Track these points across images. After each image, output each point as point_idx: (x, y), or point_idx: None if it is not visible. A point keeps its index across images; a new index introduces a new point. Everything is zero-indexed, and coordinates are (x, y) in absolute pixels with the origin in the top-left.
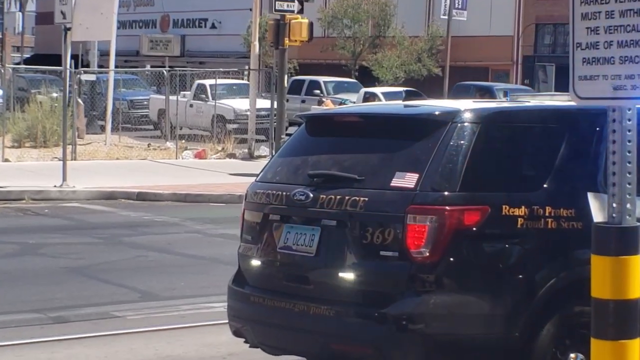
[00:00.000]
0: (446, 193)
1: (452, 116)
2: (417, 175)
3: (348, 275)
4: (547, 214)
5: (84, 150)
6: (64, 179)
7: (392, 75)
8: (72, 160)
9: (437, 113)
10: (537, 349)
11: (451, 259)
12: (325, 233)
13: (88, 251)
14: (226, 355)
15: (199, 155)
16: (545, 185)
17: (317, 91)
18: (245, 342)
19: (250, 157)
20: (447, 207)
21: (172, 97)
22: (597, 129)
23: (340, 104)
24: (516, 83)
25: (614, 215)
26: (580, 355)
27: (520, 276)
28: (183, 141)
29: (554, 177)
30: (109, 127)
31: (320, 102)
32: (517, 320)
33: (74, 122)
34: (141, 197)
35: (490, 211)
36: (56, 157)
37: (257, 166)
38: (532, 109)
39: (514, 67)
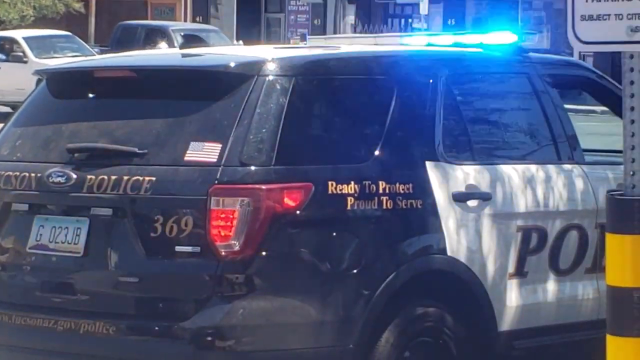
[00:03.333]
0: (259, 167)
1: (257, 68)
2: (220, 145)
3: (132, 280)
4: (380, 191)
5: None
6: None
7: (18, 14)
8: None
9: (233, 64)
10: None
11: (269, 253)
12: (96, 225)
13: None
14: None
15: None
16: (376, 154)
17: None
18: None
19: None
20: (263, 186)
21: None
22: (431, 81)
23: None
24: (186, 21)
25: (634, 185)
26: None
27: (354, 271)
28: None
29: (386, 144)
30: None
31: None
32: (351, 328)
33: None
34: None
35: (314, 189)
36: None
37: None
38: (354, 57)
39: (182, 0)
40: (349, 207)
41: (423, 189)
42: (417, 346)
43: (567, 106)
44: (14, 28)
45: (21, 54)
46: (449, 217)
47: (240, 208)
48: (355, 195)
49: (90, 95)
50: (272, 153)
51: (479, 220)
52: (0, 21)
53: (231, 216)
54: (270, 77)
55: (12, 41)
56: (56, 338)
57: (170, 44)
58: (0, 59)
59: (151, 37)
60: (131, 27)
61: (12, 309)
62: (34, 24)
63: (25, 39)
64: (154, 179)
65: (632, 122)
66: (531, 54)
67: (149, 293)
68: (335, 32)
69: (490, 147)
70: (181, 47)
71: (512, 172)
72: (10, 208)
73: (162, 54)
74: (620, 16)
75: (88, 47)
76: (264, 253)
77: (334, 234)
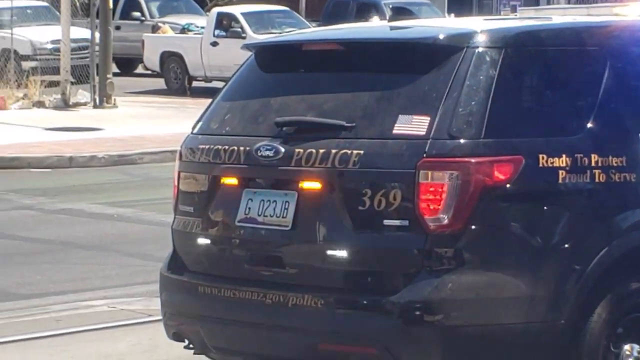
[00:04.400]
0: (469, 140)
1: (466, 39)
2: (428, 118)
3: (340, 254)
4: (593, 164)
5: None
6: None
7: None
8: None
9: (442, 36)
10: (586, 342)
11: (478, 227)
12: (304, 199)
13: None
14: None
15: None
16: (589, 126)
17: (137, 14)
18: (188, 347)
19: (66, 105)
20: (472, 159)
21: None
22: None
23: (184, 30)
24: None
25: None
26: (637, 347)
27: (566, 246)
28: None
29: (599, 116)
30: None
31: (155, 29)
32: (563, 303)
33: None
34: None
35: (524, 162)
36: None
37: (79, 117)
38: (565, 28)
39: None
40: (560, 181)
41: (637, 162)
42: (630, 322)
43: None
44: (225, 4)
45: (239, 29)
46: None
47: (449, 181)
48: (567, 168)
49: (298, 69)
50: (481, 126)
51: None
52: None
53: (440, 190)
54: (480, 49)
55: (231, 17)
56: (264, 311)
57: (382, 18)
58: (219, 35)
59: (363, 10)
60: (343, 2)
61: (221, 282)
62: (247, 0)
63: (243, 14)
64: (362, 152)
65: None
66: None
67: (357, 266)
68: (548, 4)
69: None
70: (390, 20)
71: None
72: (219, 181)
73: (370, 27)
74: None
75: (306, 22)
76: (473, 227)
77: (545, 207)
